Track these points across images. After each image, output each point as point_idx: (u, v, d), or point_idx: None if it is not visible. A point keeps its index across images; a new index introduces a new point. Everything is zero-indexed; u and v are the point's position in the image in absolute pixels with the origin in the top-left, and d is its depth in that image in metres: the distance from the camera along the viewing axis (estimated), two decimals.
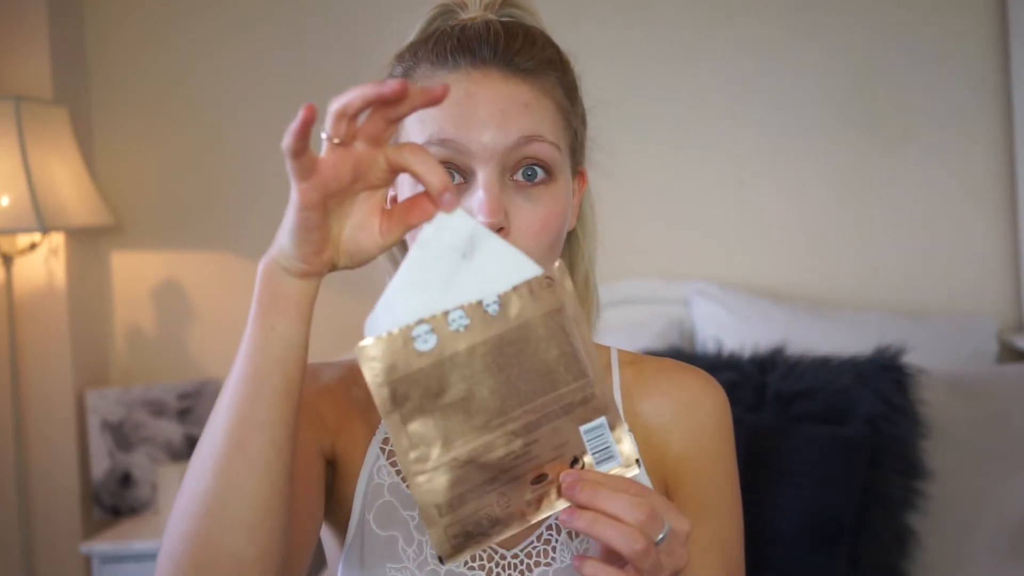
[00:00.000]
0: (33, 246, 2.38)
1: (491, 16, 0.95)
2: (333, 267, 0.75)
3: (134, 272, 2.60)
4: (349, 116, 0.71)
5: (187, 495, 0.74)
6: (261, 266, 0.74)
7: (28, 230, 2.21)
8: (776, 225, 2.44)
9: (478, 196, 0.85)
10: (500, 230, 0.86)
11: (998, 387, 2.01)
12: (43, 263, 2.43)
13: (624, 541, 0.67)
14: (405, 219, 0.72)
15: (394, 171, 0.72)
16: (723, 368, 1.94)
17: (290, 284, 0.74)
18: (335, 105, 0.70)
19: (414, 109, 0.69)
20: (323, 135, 0.72)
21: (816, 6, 2.42)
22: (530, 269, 0.72)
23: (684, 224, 2.46)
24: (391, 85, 0.68)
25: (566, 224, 0.93)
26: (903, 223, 2.39)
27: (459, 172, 0.88)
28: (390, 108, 0.70)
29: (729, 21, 2.43)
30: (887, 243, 2.40)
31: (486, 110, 0.87)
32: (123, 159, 2.60)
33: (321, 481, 0.92)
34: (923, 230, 2.39)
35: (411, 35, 0.97)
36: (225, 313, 2.55)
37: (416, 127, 0.89)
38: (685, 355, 2.02)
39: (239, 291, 2.55)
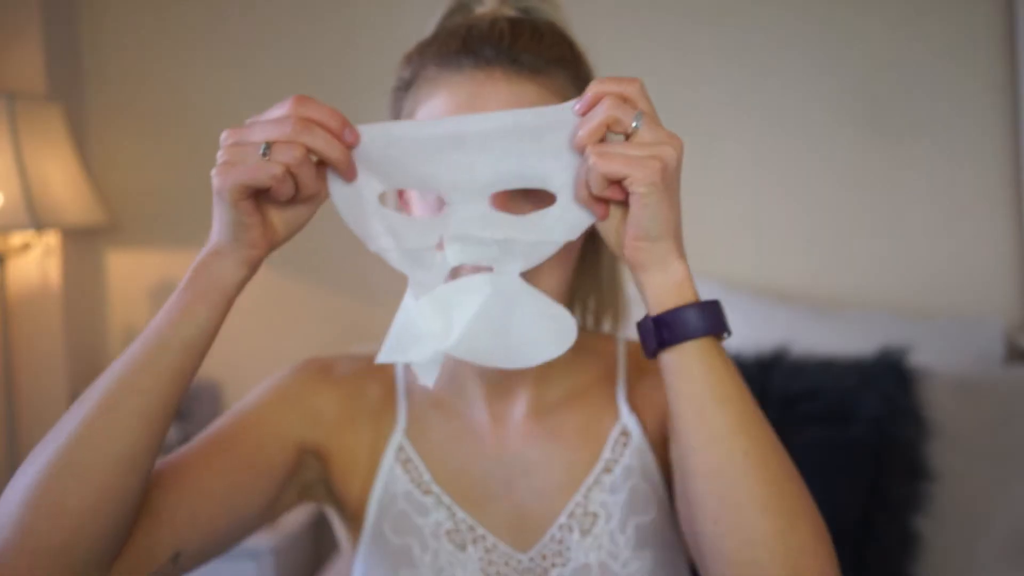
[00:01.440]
0: (27, 245, 2.36)
1: (505, 11, 0.93)
2: (274, 245, 0.76)
3: (130, 271, 2.59)
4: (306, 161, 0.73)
5: (42, 446, 0.72)
6: (198, 262, 0.75)
7: (22, 228, 2.19)
8: (780, 224, 2.43)
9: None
10: None
11: (1005, 388, 2.00)
12: (37, 262, 2.41)
13: (606, 111, 0.71)
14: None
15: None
16: None
17: (235, 271, 0.74)
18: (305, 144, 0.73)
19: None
20: (262, 151, 0.72)
21: (822, 2, 2.40)
22: None
23: (686, 224, 2.43)
24: (349, 137, 0.74)
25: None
26: (908, 223, 2.38)
27: None
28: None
29: (732, 16, 2.42)
30: (892, 243, 2.38)
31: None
32: (118, 157, 2.58)
33: (278, 469, 0.90)
34: (929, 230, 2.37)
35: (429, 30, 0.95)
36: None
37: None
38: None
39: None
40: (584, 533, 0.92)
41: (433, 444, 0.96)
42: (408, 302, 0.79)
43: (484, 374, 0.96)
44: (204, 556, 0.83)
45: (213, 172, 0.72)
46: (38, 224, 2.17)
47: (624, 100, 0.72)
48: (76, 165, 2.34)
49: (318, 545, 2.35)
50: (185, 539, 0.79)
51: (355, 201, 0.77)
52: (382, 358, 0.79)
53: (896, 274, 2.38)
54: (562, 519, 0.93)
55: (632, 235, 0.74)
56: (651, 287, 0.75)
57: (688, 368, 0.73)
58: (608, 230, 0.76)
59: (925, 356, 1.95)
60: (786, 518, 0.71)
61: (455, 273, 0.80)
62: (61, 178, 2.28)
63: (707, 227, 2.44)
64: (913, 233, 2.38)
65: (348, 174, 0.75)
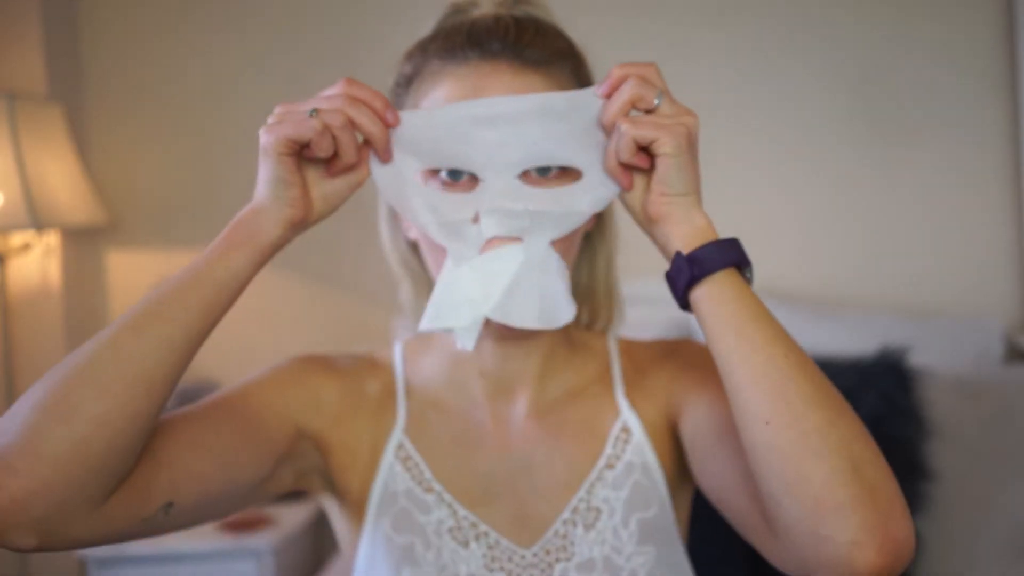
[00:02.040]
0: (27, 245, 2.36)
1: (503, 12, 0.93)
2: (311, 217, 0.81)
3: (130, 271, 2.59)
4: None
5: (60, 364, 0.74)
6: (238, 217, 0.79)
7: (22, 228, 2.19)
8: (779, 225, 2.43)
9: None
10: None
11: (1004, 388, 2.00)
12: (38, 262, 2.42)
13: (632, 89, 0.78)
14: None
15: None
16: None
17: (272, 229, 0.79)
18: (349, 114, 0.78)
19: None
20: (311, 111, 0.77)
21: (821, 4, 2.40)
22: None
23: None
24: (391, 118, 0.80)
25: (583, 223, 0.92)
26: (907, 222, 2.38)
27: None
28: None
29: (731, 18, 2.42)
30: (891, 243, 2.38)
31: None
32: (118, 156, 2.58)
33: (276, 443, 0.90)
34: (928, 229, 2.37)
35: (424, 34, 0.96)
36: None
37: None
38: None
39: None
40: (588, 528, 0.93)
41: (433, 442, 0.96)
42: (448, 272, 0.84)
43: (485, 373, 0.97)
44: (195, 514, 0.83)
45: (261, 130, 0.78)
46: (38, 224, 2.17)
47: (645, 80, 0.78)
48: (76, 165, 2.34)
49: (318, 545, 2.35)
50: (180, 490, 0.79)
51: (396, 179, 0.83)
52: (424, 326, 0.83)
53: (896, 274, 2.38)
54: (566, 514, 0.94)
55: (659, 192, 0.80)
56: (677, 234, 0.80)
57: (721, 294, 0.78)
58: (632, 198, 0.82)
59: (924, 356, 1.95)
60: (833, 409, 0.74)
61: (489, 244, 0.84)
62: (61, 178, 2.28)
63: None
64: (912, 233, 2.38)
65: (384, 154, 0.80)
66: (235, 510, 0.88)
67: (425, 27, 0.96)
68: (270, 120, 0.78)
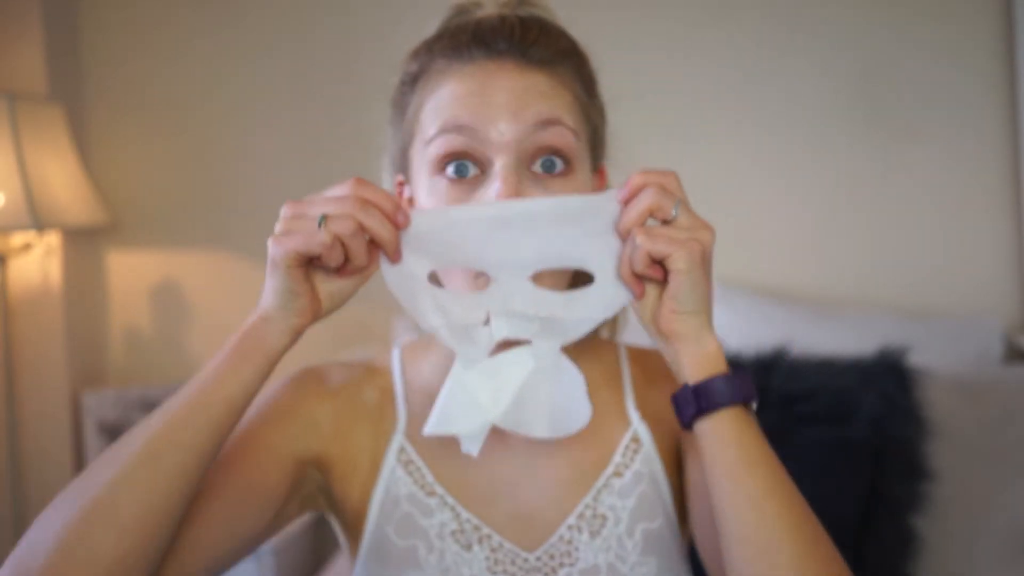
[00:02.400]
0: (28, 245, 2.36)
1: (507, 12, 0.94)
2: (318, 317, 0.81)
3: (131, 271, 2.59)
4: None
5: (75, 489, 0.74)
6: (246, 327, 0.79)
7: (23, 229, 2.19)
8: (779, 224, 2.43)
9: (495, 187, 0.84)
10: None
11: (1004, 388, 2.00)
12: (38, 262, 2.42)
13: (650, 199, 0.78)
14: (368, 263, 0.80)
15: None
16: None
17: (280, 338, 0.79)
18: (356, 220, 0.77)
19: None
20: (320, 217, 0.77)
21: (820, 3, 2.41)
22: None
23: None
24: (402, 219, 0.79)
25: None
26: (907, 222, 2.38)
27: (475, 163, 0.86)
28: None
29: (731, 16, 2.42)
30: (891, 242, 2.39)
31: (502, 98, 0.86)
32: (119, 157, 2.58)
33: (280, 488, 0.91)
34: (928, 229, 2.37)
35: (427, 34, 0.96)
36: (223, 313, 2.53)
37: (430, 117, 0.88)
38: None
39: (237, 291, 2.54)
40: (593, 535, 0.92)
41: (435, 445, 0.95)
42: (456, 374, 0.84)
43: None
44: (202, 574, 0.84)
45: (269, 241, 0.77)
46: (39, 224, 2.18)
47: (663, 190, 0.79)
48: (77, 165, 2.35)
49: (318, 545, 2.35)
50: (188, 565, 0.81)
51: (406, 280, 0.82)
52: (428, 431, 0.84)
53: (895, 274, 2.38)
54: (571, 520, 0.93)
55: (670, 308, 0.80)
56: (687, 357, 0.81)
57: (722, 434, 0.79)
58: (643, 308, 0.82)
59: (924, 356, 1.95)
60: (821, 572, 0.76)
61: (499, 347, 0.85)
62: (62, 178, 2.28)
63: None
64: (912, 233, 2.38)
65: (393, 255, 0.80)
66: (247, 556, 0.89)
67: (426, 26, 0.97)
68: (278, 227, 0.78)
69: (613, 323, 1.05)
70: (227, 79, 2.56)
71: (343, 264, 0.79)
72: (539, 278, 0.85)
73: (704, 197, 2.44)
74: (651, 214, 0.79)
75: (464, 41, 0.89)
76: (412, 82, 0.92)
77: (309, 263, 0.79)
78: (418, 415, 0.97)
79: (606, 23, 2.39)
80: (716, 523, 0.78)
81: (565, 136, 0.87)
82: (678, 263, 0.78)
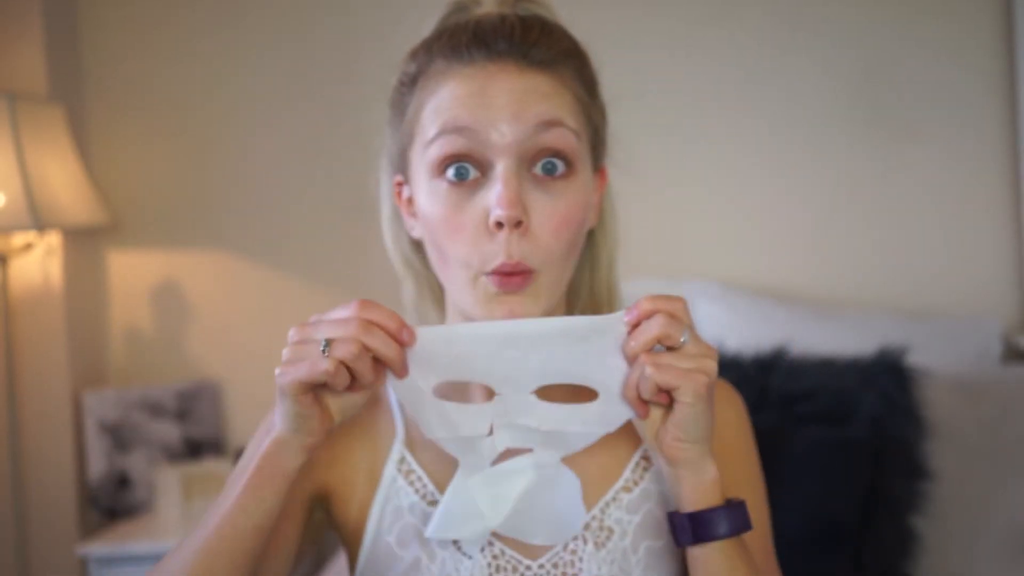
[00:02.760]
0: (29, 245, 2.36)
1: (507, 11, 0.93)
2: (330, 431, 0.83)
3: (131, 271, 2.59)
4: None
5: None
6: (264, 450, 0.82)
7: (24, 229, 2.19)
8: (778, 224, 2.43)
9: (496, 190, 0.84)
10: (519, 224, 0.84)
11: (1002, 388, 2.00)
12: (39, 262, 2.42)
13: (659, 328, 0.80)
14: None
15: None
16: (725, 369, 1.91)
17: (295, 458, 0.82)
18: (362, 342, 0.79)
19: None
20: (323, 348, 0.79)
21: (821, 2, 2.41)
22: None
23: (685, 223, 2.45)
24: (407, 336, 0.81)
25: (586, 221, 0.91)
26: (907, 222, 2.38)
27: (475, 166, 0.86)
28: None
29: (731, 15, 2.42)
30: (891, 242, 2.39)
31: (503, 99, 0.85)
32: (119, 157, 2.59)
33: (297, 531, 0.93)
34: (927, 229, 2.38)
35: (425, 32, 0.95)
36: (223, 313, 2.54)
37: (430, 119, 0.88)
38: None
39: (237, 291, 2.54)
40: (598, 546, 0.91)
41: (434, 452, 0.94)
42: (458, 482, 0.86)
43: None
44: None
45: (277, 371, 0.79)
46: (39, 224, 2.18)
47: (672, 317, 0.81)
48: (77, 165, 2.35)
49: (318, 544, 2.36)
50: None
51: (413, 392, 0.84)
52: (430, 534, 0.87)
53: (894, 274, 2.38)
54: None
55: (674, 436, 0.82)
56: (687, 485, 0.84)
57: (715, 564, 0.84)
58: (647, 427, 0.85)
59: (923, 356, 1.95)
60: None
61: (501, 457, 0.87)
62: (62, 179, 2.29)
63: (707, 228, 2.45)
64: (911, 233, 2.38)
65: (400, 372, 0.82)
66: None
67: (426, 26, 0.96)
68: (285, 355, 0.79)
69: None
70: (227, 79, 2.57)
71: (351, 383, 0.80)
72: (545, 389, 0.86)
73: (704, 197, 2.46)
74: (659, 341, 0.80)
75: (464, 41, 0.88)
76: (411, 83, 0.92)
77: (317, 386, 0.80)
78: (416, 423, 0.97)
79: (607, 22, 2.40)
80: None
81: (566, 137, 0.86)
82: (685, 396, 0.80)
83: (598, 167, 0.95)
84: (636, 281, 2.43)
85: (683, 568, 0.95)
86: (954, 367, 2.05)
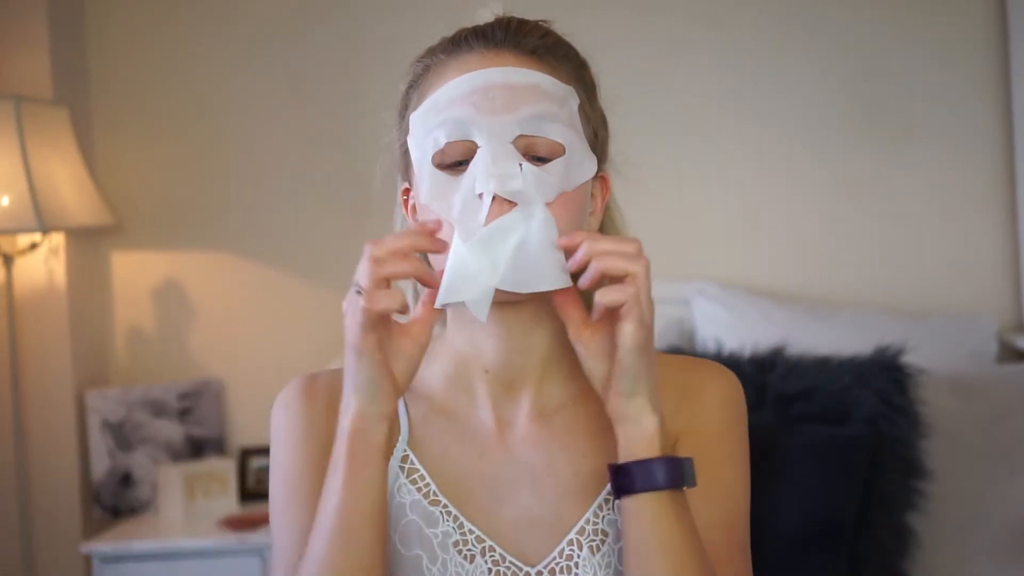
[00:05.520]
0: (33, 246, 2.38)
1: (509, 16, 0.96)
2: (401, 395, 0.87)
3: (134, 272, 2.60)
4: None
5: None
6: (347, 429, 0.84)
7: (28, 230, 2.21)
8: (776, 225, 2.44)
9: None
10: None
11: (998, 387, 2.01)
12: (43, 263, 2.43)
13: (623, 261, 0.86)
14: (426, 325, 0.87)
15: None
16: None
17: (379, 429, 0.85)
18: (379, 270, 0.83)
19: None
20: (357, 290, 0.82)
21: (819, 4, 2.42)
22: None
23: (684, 224, 2.45)
24: (429, 228, 0.85)
25: (588, 205, 0.93)
26: (903, 222, 2.39)
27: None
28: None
29: (729, 17, 2.43)
30: (887, 243, 2.40)
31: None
32: (123, 159, 2.60)
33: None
34: (923, 229, 2.39)
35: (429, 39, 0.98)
36: (225, 313, 2.55)
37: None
38: (685, 355, 2.02)
39: (239, 291, 2.55)
40: (594, 551, 0.92)
41: (437, 451, 0.95)
42: (457, 247, 0.87)
43: (491, 370, 0.96)
44: None
45: (347, 337, 0.83)
46: (44, 226, 2.19)
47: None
48: (81, 167, 2.36)
49: None
50: None
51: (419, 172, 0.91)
52: (440, 302, 0.86)
53: (891, 274, 2.39)
54: (572, 535, 0.93)
55: (615, 390, 0.85)
56: (624, 437, 0.86)
57: (640, 515, 0.84)
58: (594, 376, 0.88)
59: (920, 355, 1.96)
60: None
61: (491, 215, 0.87)
62: (67, 180, 2.30)
63: (705, 228, 2.46)
64: (908, 233, 2.39)
65: (429, 283, 0.86)
66: None
67: (426, 27, 0.99)
68: (344, 320, 0.83)
69: None
70: (230, 82, 2.58)
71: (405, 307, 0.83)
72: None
73: (702, 198, 2.47)
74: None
75: (463, 35, 0.92)
76: (416, 82, 0.94)
77: (382, 333, 0.84)
78: (420, 421, 0.96)
79: (606, 22, 2.41)
80: None
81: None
82: (630, 315, 0.83)
83: (599, 173, 0.96)
84: None
85: None
86: (950, 366, 2.06)
